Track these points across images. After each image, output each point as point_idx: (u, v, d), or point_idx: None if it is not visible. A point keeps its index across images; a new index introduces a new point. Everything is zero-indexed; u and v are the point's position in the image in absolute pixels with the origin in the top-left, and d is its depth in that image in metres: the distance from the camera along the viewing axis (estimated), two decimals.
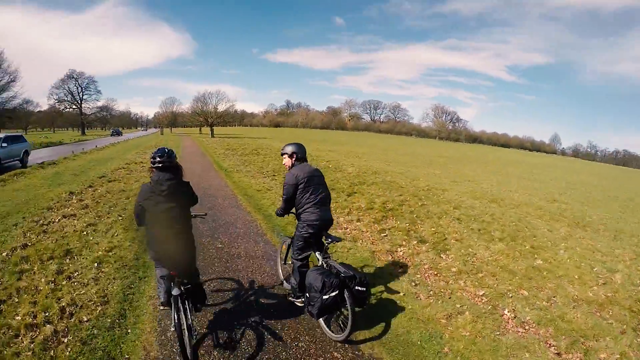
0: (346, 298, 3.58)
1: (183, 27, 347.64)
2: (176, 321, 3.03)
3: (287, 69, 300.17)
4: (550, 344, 3.85)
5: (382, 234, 7.16)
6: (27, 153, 17.81)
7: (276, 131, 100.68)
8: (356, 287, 3.58)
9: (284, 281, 4.87)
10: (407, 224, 7.78)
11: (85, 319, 3.91)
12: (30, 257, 5.32)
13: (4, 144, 15.91)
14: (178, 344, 3.11)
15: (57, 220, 7.27)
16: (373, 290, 4.76)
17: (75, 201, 8.99)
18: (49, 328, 3.69)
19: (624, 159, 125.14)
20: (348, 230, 7.46)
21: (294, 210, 4.27)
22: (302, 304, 4.15)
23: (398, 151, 41.95)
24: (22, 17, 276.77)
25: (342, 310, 3.87)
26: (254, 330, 3.89)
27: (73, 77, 75.03)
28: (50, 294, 4.35)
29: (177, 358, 3.35)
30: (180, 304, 3.14)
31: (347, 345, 3.71)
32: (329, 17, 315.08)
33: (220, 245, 6.36)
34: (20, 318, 3.85)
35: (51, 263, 5.19)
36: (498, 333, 3.98)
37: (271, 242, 6.64)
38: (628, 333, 4.11)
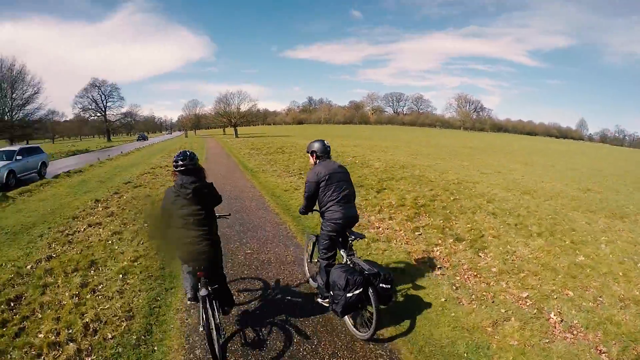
0: (370, 296, 3.57)
1: (201, 30, 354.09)
2: (205, 321, 3.17)
3: (308, 65, 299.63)
4: (600, 351, 3.65)
5: (416, 233, 7.00)
6: (44, 165, 17.70)
7: (299, 128, 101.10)
8: (380, 285, 3.59)
9: (310, 279, 4.93)
10: (441, 221, 7.59)
11: (110, 336, 3.78)
12: (54, 270, 5.30)
13: (19, 157, 15.52)
14: (207, 343, 3.21)
15: (82, 229, 7.31)
16: (413, 298, 4.64)
17: (100, 209, 9.07)
18: (72, 347, 3.58)
19: None
20: (380, 229, 7.27)
21: (317, 208, 4.27)
22: (329, 304, 4.10)
23: (421, 143, 41.57)
24: (42, 31, 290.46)
25: (368, 307, 3.82)
26: (281, 328, 3.95)
27: (96, 85, 78.06)
28: (74, 309, 4.26)
29: (207, 356, 3.42)
30: (208, 304, 3.26)
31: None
32: (346, 10, 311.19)
33: (249, 251, 6.16)
34: (43, 336, 3.77)
35: (75, 275, 5.14)
36: (547, 341, 3.78)
37: (302, 245, 6.39)
38: None
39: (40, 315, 4.15)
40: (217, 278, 3.57)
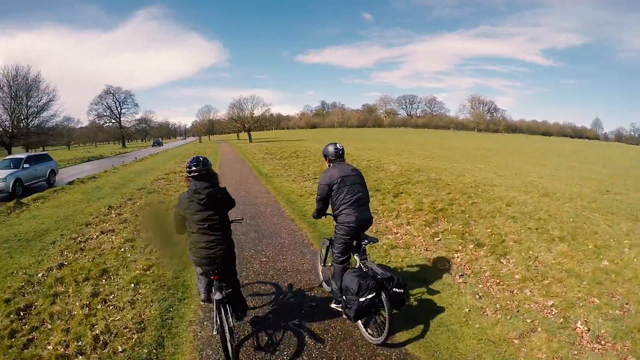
0: (383, 300, 3.55)
1: (213, 36, 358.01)
2: (219, 324, 3.20)
3: (320, 69, 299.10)
4: None
5: (436, 238, 6.80)
6: (53, 173, 17.66)
7: (313, 132, 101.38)
8: (394, 289, 3.57)
9: (324, 283, 4.95)
10: (461, 226, 7.37)
11: (120, 349, 3.67)
12: (65, 278, 5.25)
13: (26, 165, 15.41)
14: (221, 346, 3.27)
15: (95, 236, 7.28)
16: (435, 308, 4.48)
17: (114, 215, 9.08)
18: None
19: None
20: (399, 235, 7.12)
21: (331, 211, 4.23)
22: (342, 309, 4.04)
23: (435, 145, 41.27)
24: (56, 41, 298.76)
25: (381, 312, 3.76)
26: (294, 332, 3.95)
27: (110, 93, 79.96)
28: (84, 320, 4.17)
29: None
30: (222, 308, 3.31)
31: None
32: (357, 14, 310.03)
33: (264, 259, 6.01)
34: (52, 348, 3.70)
35: (86, 284, 5.08)
36: (575, 352, 3.61)
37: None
38: None
39: (49, 326, 4.08)
40: (231, 283, 3.65)
